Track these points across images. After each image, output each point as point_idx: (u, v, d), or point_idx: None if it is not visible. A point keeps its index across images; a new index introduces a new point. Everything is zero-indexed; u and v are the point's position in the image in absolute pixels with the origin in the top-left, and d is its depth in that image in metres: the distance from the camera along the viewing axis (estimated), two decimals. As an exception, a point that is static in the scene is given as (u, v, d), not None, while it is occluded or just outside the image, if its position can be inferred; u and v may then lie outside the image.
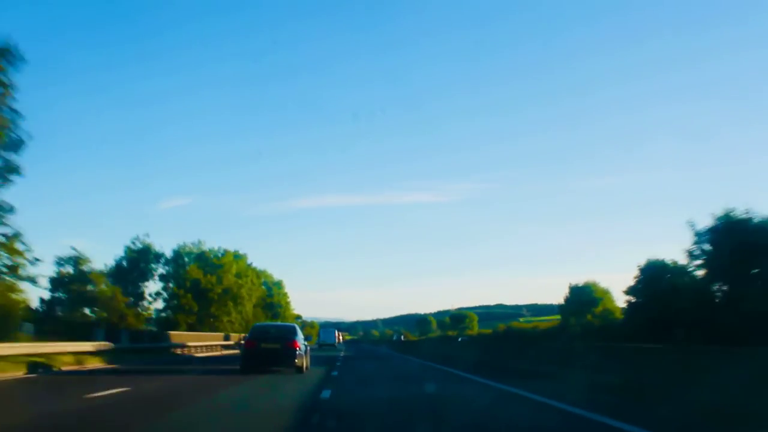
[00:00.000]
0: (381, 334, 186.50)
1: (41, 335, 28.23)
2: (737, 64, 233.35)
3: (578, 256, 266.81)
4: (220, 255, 64.76)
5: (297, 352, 19.56)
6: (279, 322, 54.35)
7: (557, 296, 67.66)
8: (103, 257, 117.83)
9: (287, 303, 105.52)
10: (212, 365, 26.26)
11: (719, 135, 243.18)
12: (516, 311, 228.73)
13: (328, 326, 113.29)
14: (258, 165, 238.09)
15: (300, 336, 20.76)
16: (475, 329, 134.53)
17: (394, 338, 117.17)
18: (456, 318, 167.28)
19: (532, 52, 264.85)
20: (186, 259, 62.95)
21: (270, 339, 20.06)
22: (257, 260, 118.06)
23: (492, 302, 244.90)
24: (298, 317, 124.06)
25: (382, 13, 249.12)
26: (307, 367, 20.70)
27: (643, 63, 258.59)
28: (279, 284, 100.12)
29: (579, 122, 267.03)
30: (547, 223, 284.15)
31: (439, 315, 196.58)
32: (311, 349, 25.43)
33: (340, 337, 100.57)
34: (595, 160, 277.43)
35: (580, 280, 64.83)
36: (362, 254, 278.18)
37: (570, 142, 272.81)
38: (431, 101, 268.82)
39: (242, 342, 23.99)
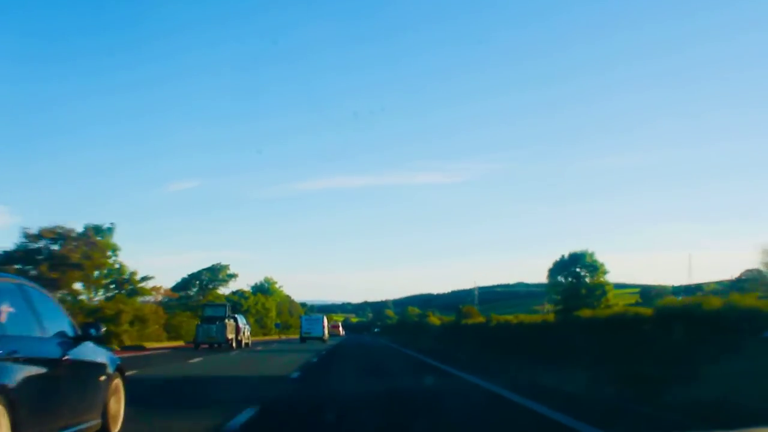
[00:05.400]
0: (401, 318, 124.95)
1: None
2: (739, 46, 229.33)
3: (589, 235, 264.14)
4: None
5: None
6: None
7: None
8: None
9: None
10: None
11: (719, 115, 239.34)
12: (538, 290, 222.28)
13: (315, 311, 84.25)
14: (264, 148, 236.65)
15: None
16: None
17: None
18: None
19: (539, 33, 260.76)
20: None
21: None
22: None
23: (512, 281, 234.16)
24: (235, 300, 71.22)
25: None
26: None
27: (647, 45, 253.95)
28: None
29: (587, 102, 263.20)
30: (558, 203, 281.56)
31: (453, 295, 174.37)
32: (281, 349, 13.18)
33: (340, 329, 79.60)
34: (604, 140, 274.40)
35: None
36: (369, 235, 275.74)
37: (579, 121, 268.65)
38: (435, 83, 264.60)
39: None
